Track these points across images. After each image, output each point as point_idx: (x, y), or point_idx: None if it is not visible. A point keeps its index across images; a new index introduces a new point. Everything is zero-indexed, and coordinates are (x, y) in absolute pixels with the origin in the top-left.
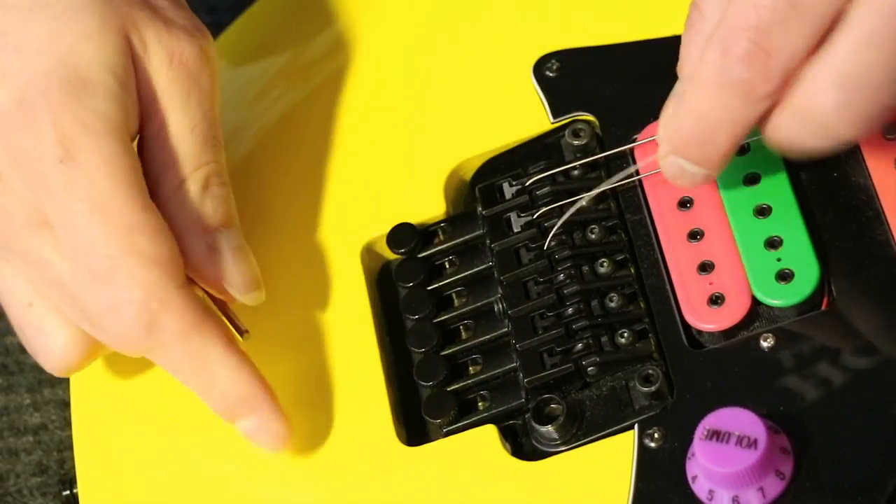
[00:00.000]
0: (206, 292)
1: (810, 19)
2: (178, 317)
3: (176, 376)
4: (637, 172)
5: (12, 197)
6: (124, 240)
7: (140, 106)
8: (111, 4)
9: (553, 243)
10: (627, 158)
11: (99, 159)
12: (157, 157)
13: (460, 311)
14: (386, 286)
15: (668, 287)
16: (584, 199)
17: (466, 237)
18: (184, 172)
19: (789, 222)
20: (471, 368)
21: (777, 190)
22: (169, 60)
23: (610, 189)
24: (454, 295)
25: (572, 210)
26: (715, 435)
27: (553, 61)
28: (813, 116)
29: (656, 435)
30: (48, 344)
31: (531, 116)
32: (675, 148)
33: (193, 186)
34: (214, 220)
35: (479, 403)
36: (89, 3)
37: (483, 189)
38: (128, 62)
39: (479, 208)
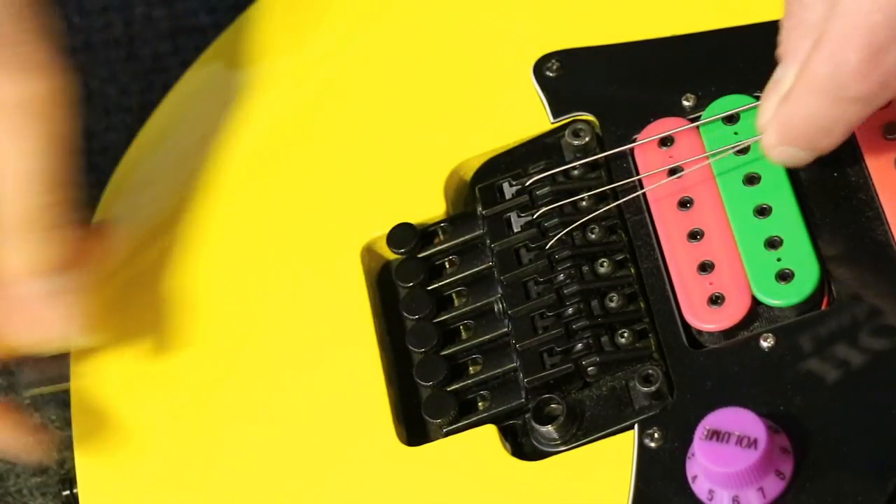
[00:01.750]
0: None
1: None
2: None
3: None
4: (643, 189)
5: None
6: None
7: None
8: None
9: (553, 243)
10: (627, 158)
11: None
12: None
13: (460, 311)
14: (386, 286)
15: (668, 287)
16: (593, 214)
17: (466, 237)
18: (12, 218)
19: (789, 222)
20: (471, 368)
21: (777, 190)
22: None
23: (610, 189)
24: (454, 295)
25: (579, 223)
26: (715, 435)
27: (553, 61)
28: None
29: (656, 435)
30: None
31: (531, 116)
32: (788, 142)
33: (15, 231)
34: (37, 267)
35: (479, 403)
36: None
37: (483, 189)
38: None
39: (479, 208)
